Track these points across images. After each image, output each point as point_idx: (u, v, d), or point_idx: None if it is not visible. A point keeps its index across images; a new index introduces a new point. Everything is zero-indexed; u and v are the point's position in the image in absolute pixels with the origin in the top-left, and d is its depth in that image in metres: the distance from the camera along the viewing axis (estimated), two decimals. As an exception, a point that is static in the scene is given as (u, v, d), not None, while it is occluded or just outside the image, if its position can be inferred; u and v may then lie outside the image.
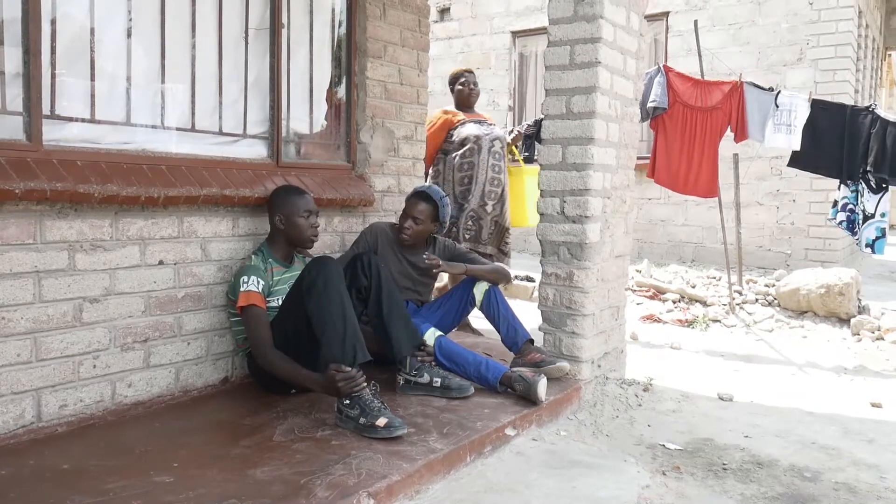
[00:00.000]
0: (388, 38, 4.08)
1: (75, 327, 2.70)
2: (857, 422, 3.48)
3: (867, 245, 5.61)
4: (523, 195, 5.14)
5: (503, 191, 4.75)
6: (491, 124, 4.88)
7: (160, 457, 2.41)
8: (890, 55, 13.43)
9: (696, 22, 6.49)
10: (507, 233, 4.79)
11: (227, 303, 3.16)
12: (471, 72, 5.00)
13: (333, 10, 3.89)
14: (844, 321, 5.57)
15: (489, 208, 4.66)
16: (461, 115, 4.84)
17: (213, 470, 2.31)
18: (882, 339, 5.19)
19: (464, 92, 4.91)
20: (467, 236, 4.68)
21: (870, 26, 9.72)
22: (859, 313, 5.62)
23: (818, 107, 5.61)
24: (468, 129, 4.72)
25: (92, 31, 2.82)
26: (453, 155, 4.71)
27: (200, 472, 2.30)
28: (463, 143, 4.68)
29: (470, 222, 4.70)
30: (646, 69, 5.44)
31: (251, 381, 3.22)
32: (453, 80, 4.99)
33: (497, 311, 3.58)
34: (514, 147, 5.33)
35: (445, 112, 4.88)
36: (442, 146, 4.79)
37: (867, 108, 5.58)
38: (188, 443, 2.56)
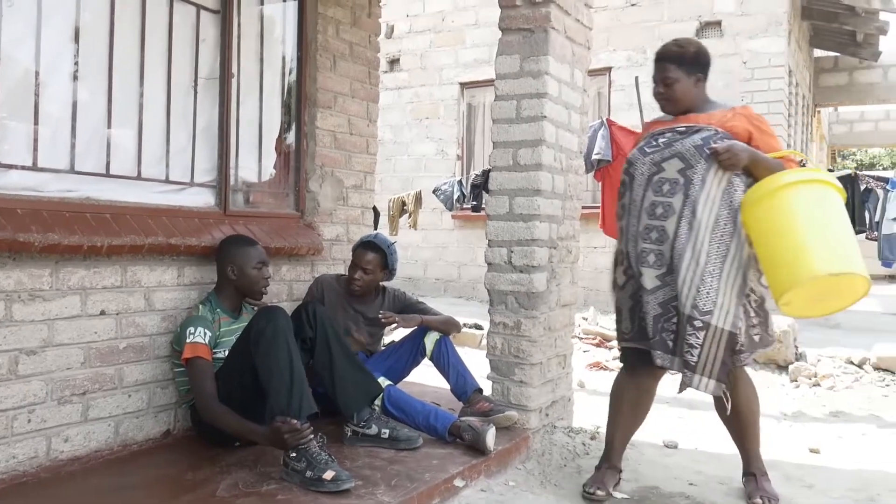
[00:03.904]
0: (339, 89, 4.13)
1: (10, 380, 2.60)
2: (797, 468, 3.55)
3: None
4: (785, 228, 2.67)
5: (676, 249, 2.75)
6: (691, 129, 2.85)
7: (97, 515, 2.33)
8: (819, 112, 14.12)
9: (636, 78, 6.72)
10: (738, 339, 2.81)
11: (171, 353, 3.09)
12: (663, 61, 2.94)
13: (284, 59, 3.93)
14: (783, 368, 5.72)
15: (647, 281, 2.80)
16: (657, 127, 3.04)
17: (152, 528, 2.24)
18: (819, 385, 5.35)
19: (653, 91, 3.03)
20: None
21: (800, 85, 10.22)
22: (797, 360, 5.78)
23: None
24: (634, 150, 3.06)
25: (36, 74, 2.79)
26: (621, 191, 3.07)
27: (139, 530, 2.22)
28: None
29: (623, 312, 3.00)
30: (590, 122, 5.61)
31: (194, 434, 3.14)
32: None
33: (447, 361, 3.59)
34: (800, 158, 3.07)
35: (651, 123, 3.14)
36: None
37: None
38: (126, 500, 2.48)
